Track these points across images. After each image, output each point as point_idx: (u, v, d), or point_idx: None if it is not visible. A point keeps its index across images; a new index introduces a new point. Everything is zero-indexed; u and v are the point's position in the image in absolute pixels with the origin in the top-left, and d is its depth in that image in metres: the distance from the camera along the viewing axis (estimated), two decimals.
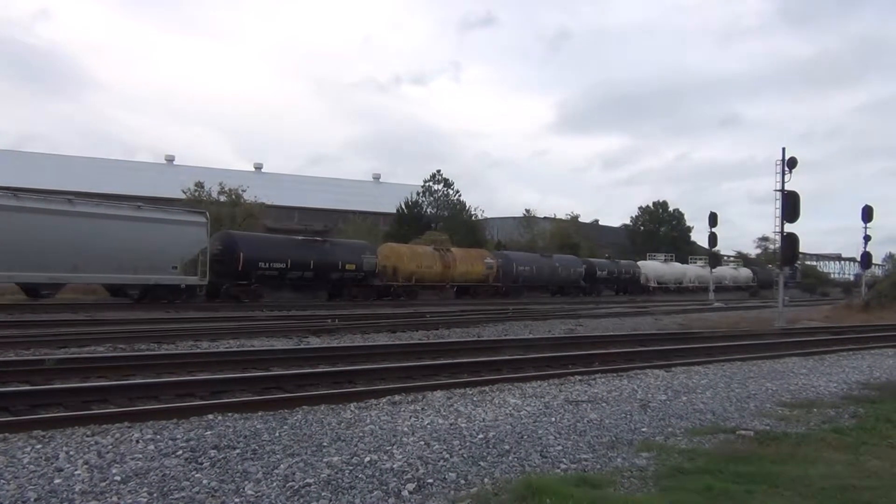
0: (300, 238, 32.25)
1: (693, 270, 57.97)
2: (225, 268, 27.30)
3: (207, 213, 27.82)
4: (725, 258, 71.96)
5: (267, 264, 28.77)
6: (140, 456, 5.11)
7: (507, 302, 34.01)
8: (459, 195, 55.79)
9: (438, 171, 55.45)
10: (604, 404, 7.72)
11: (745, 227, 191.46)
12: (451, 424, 6.45)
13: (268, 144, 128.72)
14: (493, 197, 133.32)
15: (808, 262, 79.39)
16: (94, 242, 23.35)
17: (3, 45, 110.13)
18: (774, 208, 23.19)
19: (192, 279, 25.94)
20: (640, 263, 54.59)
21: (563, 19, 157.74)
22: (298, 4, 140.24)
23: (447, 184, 55.28)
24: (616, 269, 50.86)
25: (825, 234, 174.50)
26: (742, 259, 76.76)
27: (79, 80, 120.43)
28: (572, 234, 59.73)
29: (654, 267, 54.93)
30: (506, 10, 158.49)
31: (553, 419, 6.82)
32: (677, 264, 58.93)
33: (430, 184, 55.19)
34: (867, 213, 34.57)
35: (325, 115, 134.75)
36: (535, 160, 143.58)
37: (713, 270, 47.96)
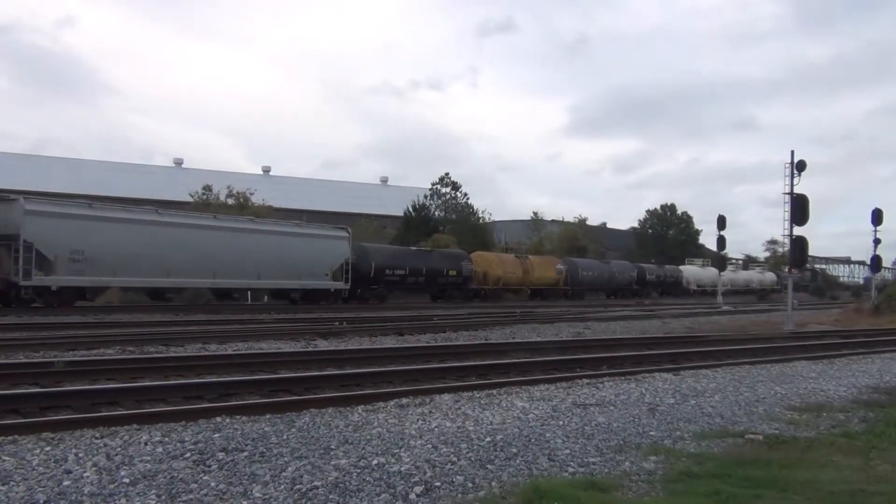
0: (414, 249, 38.05)
1: (727, 275, 60.15)
2: (359, 274, 32.47)
3: (349, 229, 33.60)
4: (735, 261, 72.40)
5: (391, 271, 34.19)
6: (148, 458, 5.12)
7: (574, 304, 38.22)
8: (467, 198, 55.82)
9: (446, 174, 55.49)
10: (612, 408, 7.70)
11: (756, 230, 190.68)
12: (458, 427, 6.44)
13: (281, 149, 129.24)
14: (505, 200, 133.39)
15: (817, 266, 79.21)
16: (271, 255, 28.50)
17: (24, 51, 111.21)
18: (783, 211, 23.15)
19: (338, 284, 31.52)
20: (681, 268, 57.86)
21: (581, 24, 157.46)
22: (319, 11, 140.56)
23: (455, 186, 55.29)
24: (662, 273, 54.77)
25: (837, 237, 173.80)
26: (768, 262, 76.91)
27: (95, 84, 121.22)
28: (580, 237, 59.67)
29: (693, 271, 58.25)
30: (524, 15, 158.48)
31: (561, 422, 6.80)
32: (712, 269, 60.02)
33: (438, 186, 55.21)
34: (877, 217, 34.34)
35: (339, 119, 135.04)
36: (548, 164, 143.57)
37: (739, 273, 50.77)
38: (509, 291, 41.92)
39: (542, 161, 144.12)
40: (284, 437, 5.91)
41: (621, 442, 6.11)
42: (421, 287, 37.07)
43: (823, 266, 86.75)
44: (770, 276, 65.67)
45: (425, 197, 54.55)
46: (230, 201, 40.30)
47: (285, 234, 30.25)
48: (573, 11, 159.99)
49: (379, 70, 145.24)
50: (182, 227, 26.73)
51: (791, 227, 22.83)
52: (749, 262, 77.61)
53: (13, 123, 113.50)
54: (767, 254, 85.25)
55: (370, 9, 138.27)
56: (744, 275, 65.24)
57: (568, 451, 5.69)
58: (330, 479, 4.71)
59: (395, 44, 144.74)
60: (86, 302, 24.78)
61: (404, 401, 7.71)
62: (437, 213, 54.21)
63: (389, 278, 34.15)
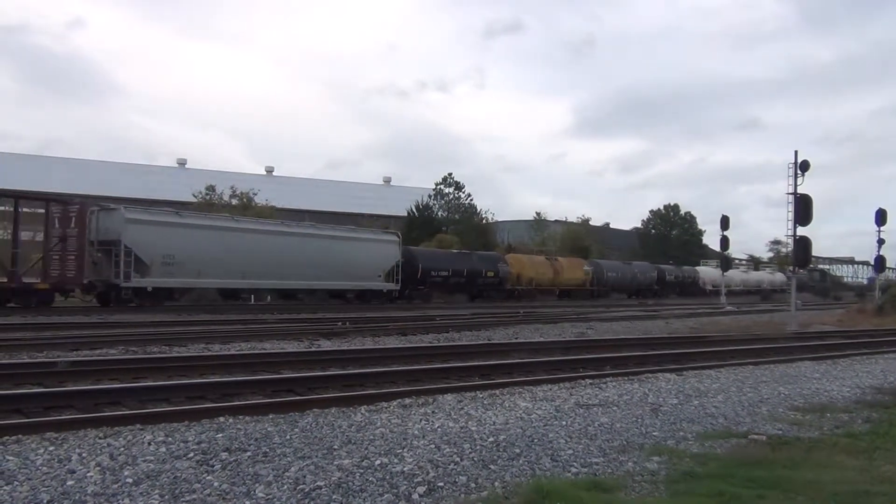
0: (455, 251, 40.34)
1: (738, 275, 63.59)
2: (407, 275, 34.72)
3: (399, 233, 36.25)
4: (745, 262, 72.93)
5: (436, 273, 36.66)
6: (152, 458, 5.13)
7: (599, 303, 40.09)
8: (470, 198, 55.82)
9: (449, 174, 55.53)
10: (615, 408, 7.69)
11: (760, 230, 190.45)
12: (461, 427, 6.44)
13: (285, 149, 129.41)
14: (508, 201, 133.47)
15: (820, 266, 79.26)
16: (331, 258, 30.92)
17: (30, 52, 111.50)
18: (787, 212, 23.10)
19: (390, 285, 33.86)
20: (697, 269, 59.95)
21: (586, 25, 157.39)
22: (324, 12, 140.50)
23: (458, 186, 55.32)
24: (680, 274, 56.81)
25: (841, 237, 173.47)
26: (772, 262, 77.37)
27: (100, 85, 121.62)
28: (583, 238, 59.67)
29: (709, 272, 59.87)
30: (531, 17, 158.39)
31: (564, 423, 6.80)
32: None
33: (442, 187, 55.21)
34: (881, 217, 34.29)
35: (343, 120, 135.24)
36: (552, 164, 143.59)
37: (751, 273, 52.26)
38: (540, 291, 43.72)
39: (547, 161, 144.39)
40: (287, 437, 5.91)
41: (624, 442, 6.10)
42: (461, 287, 39.38)
43: (827, 266, 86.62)
44: (780, 277, 66.70)
45: (429, 197, 54.58)
46: (234, 202, 40.35)
47: (344, 239, 32.81)
48: (579, 12, 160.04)
49: (384, 71, 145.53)
50: (254, 232, 29.11)
51: (794, 228, 22.78)
52: (759, 262, 77.84)
53: (19, 124, 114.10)
54: (771, 254, 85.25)
55: (376, 10, 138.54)
56: (755, 275, 67.52)
57: (571, 452, 5.69)
58: (333, 479, 4.71)
59: (401, 45, 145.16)
60: (173, 302, 26.79)
61: (407, 401, 7.71)
62: (440, 213, 54.22)
63: (434, 279, 36.71)
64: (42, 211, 25.04)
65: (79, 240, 23.58)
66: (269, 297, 31.24)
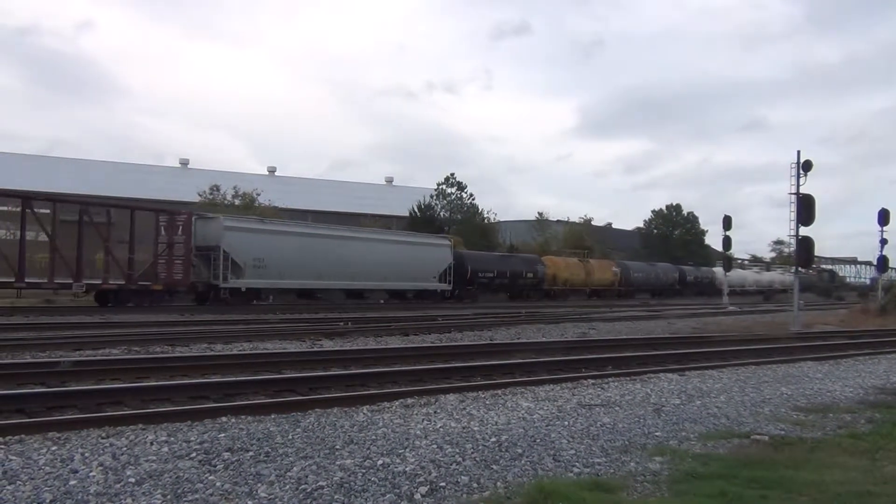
0: (499, 254, 43.77)
1: (752, 276, 66.65)
2: (457, 276, 37.61)
3: (451, 238, 39.68)
4: (754, 262, 73.42)
5: (483, 274, 39.69)
6: (154, 458, 5.14)
7: (627, 303, 42.32)
8: (472, 198, 55.78)
9: (451, 175, 55.46)
10: (617, 408, 7.69)
11: (763, 230, 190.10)
12: (463, 428, 6.44)
13: (289, 150, 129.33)
14: (513, 201, 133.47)
15: (823, 266, 79.28)
16: (393, 261, 33.56)
17: (37, 53, 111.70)
18: (789, 211, 23.07)
19: (444, 285, 36.91)
20: (714, 270, 61.07)
21: (592, 26, 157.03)
22: (328, 12, 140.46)
23: (460, 187, 55.26)
24: (699, 275, 59.26)
25: (846, 237, 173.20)
26: (774, 262, 77.75)
27: (106, 86, 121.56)
28: (585, 238, 59.66)
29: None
30: (538, 18, 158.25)
31: (566, 423, 6.80)
32: (740, 270, 67.39)
33: (444, 187, 55.17)
34: (883, 217, 34.20)
35: (349, 121, 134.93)
36: (558, 165, 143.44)
37: (763, 274, 54.23)
38: (573, 291, 46.46)
39: (552, 162, 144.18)
40: (289, 437, 5.92)
41: (626, 442, 6.10)
42: (504, 287, 42.15)
43: (830, 266, 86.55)
44: (791, 277, 66.82)
45: (431, 197, 54.53)
46: (237, 202, 40.40)
47: (404, 244, 35.84)
48: (586, 13, 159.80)
49: (392, 72, 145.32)
50: (327, 237, 31.91)
51: (797, 228, 22.75)
52: (771, 263, 78.09)
53: (26, 125, 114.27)
54: (773, 254, 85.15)
55: (384, 11, 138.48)
56: (767, 275, 69.65)
57: (573, 452, 5.68)
58: (335, 479, 4.71)
59: (410, 46, 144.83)
60: (261, 302, 29.36)
61: (409, 401, 7.71)
62: (442, 213, 54.18)
63: (481, 280, 39.81)
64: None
65: (185, 246, 26.32)
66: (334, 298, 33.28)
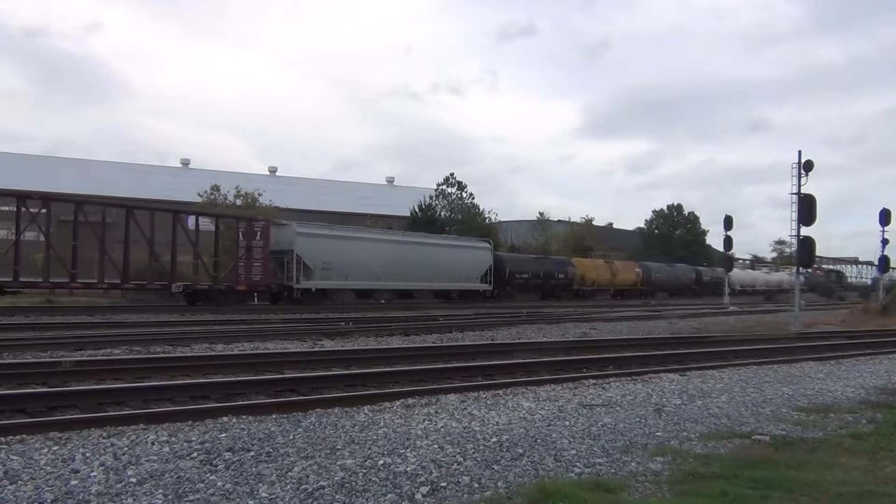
0: (533, 256, 46.91)
1: (762, 277, 69.19)
2: (496, 277, 40.27)
3: (491, 241, 42.32)
4: (762, 263, 74.00)
5: (519, 275, 42.59)
6: (155, 458, 5.14)
7: (648, 302, 44.38)
8: (473, 198, 55.72)
9: (452, 174, 55.39)
10: (618, 408, 7.69)
11: (764, 230, 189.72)
12: (464, 428, 6.44)
13: (292, 151, 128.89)
14: (516, 201, 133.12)
15: (824, 266, 79.25)
16: (440, 263, 36.49)
17: (43, 54, 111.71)
18: (791, 211, 23.06)
19: (485, 286, 39.61)
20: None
21: (598, 27, 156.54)
22: (331, 11, 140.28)
23: (460, 186, 55.20)
24: (713, 275, 59.77)
25: (849, 238, 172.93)
26: (775, 262, 78.07)
27: (110, 86, 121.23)
28: (586, 238, 59.66)
29: (737, 273, 62.86)
30: (544, 19, 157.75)
31: (567, 423, 6.80)
32: (751, 271, 71.84)
33: (444, 187, 55.13)
34: (885, 217, 34.20)
35: (352, 121, 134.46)
36: (561, 165, 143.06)
37: (773, 274, 58.49)
38: (599, 291, 49.43)
39: (555, 162, 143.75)
40: (290, 437, 5.92)
41: (627, 442, 6.09)
42: (538, 287, 44.84)
43: (831, 266, 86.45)
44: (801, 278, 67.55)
45: (431, 197, 54.47)
46: (238, 202, 40.38)
47: (450, 247, 38.43)
48: (591, 14, 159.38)
49: (398, 73, 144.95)
50: (383, 241, 34.79)
51: (798, 228, 22.74)
52: (779, 263, 78.21)
53: (32, 126, 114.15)
54: (774, 254, 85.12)
55: (391, 12, 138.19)
56: (776, 276, 70.83)
57: (574, 452, 5.68)
58: (336, 479, 4.71)
59: (417, 47, 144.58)
60: (327, 301, 31.70)
61: (410, 401, 7.71)
62: (442, 213, 54.14)
63: (517, 280, 42.56)
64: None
65: (263, 250, 28.70)
66: (383, 300, 35.41)
